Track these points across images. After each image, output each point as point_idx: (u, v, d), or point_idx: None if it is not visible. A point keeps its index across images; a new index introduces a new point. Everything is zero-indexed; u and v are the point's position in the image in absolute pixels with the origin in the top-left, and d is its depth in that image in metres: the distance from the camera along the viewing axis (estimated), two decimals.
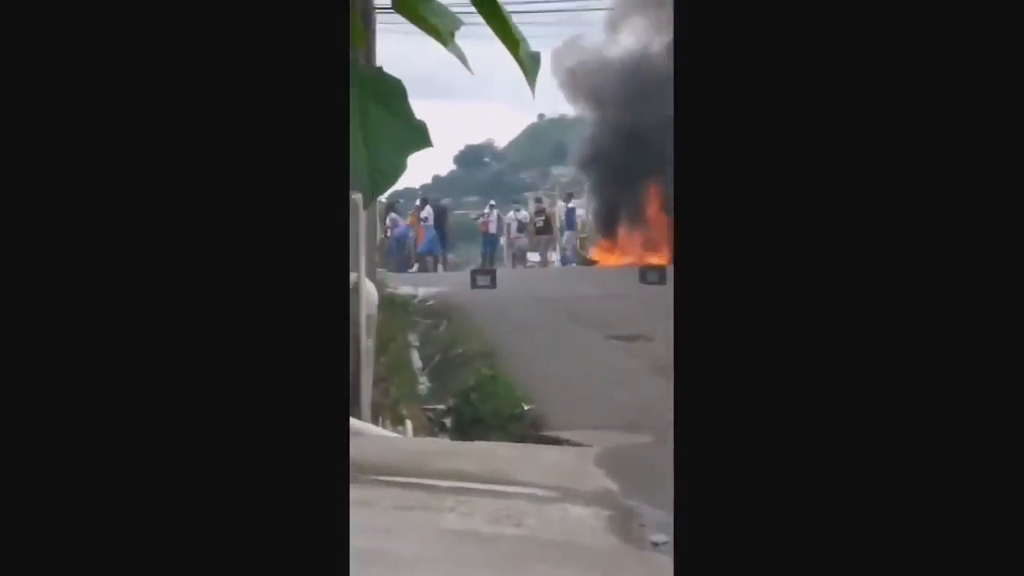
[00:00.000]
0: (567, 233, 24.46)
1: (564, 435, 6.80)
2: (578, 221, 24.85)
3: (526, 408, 7.85)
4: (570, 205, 25.11)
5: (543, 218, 24.40)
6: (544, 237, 24.48)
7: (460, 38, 1.51)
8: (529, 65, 1.47)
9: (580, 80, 22.53)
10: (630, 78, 21.22)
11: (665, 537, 4.35)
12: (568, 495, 4.99)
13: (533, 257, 24.99)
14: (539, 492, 5.04)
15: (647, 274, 15.11)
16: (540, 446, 6.58)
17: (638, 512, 4.70)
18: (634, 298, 13.27)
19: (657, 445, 6.27)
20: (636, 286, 14.63)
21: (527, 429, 7.25)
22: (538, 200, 26.54)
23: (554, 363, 9.45)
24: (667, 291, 12.95)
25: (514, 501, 4.81)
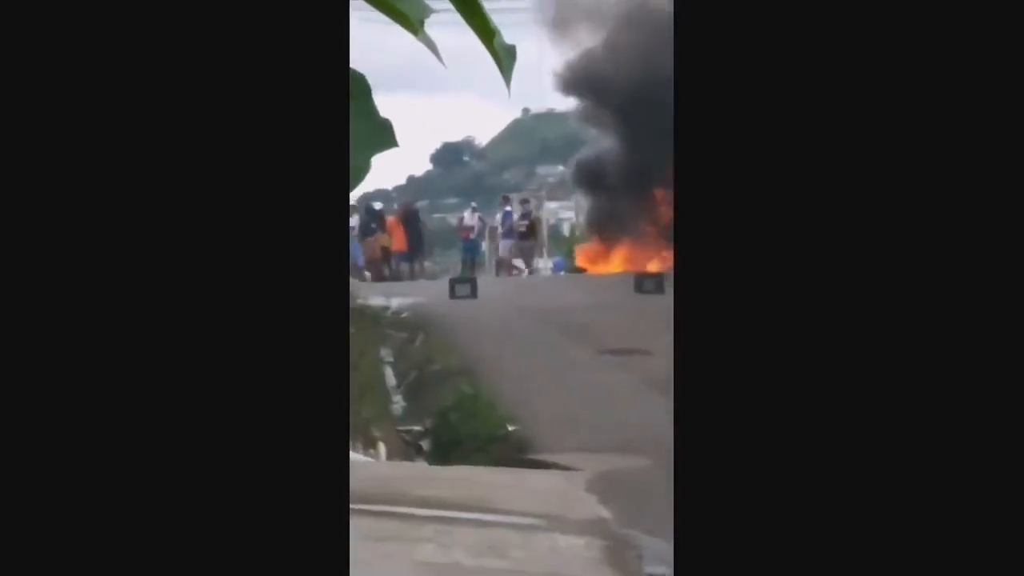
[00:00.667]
0: (503, 243, 24.22)
1: (552, 458, 6.80)
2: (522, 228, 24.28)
3: (510, 429, 7.86)
4: (507, 209, 24.78)
5: (527, 222, 24.29)
6: (528, 243, 24.35)
7: (433, 26, 1.52)
8: (504, 58, 1.47)
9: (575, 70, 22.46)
10: (624, 73, 21.20)
11: (664, 569, 4.36)
12: (557, 524, 5.00)
13: (519, 264, 24.89)
14: (525, 521, 5.05)
15: (643, 283, 15.13)
16: (526, 471, 6.59)
17: (635, 542, 4.71)
18: (629, 309, 13.30)
19: (655, 468, 6.29)
20: (631, 296, 14.66)
21: (511, 452, 7.26)
22: (524, 202, 26.34)
23: (541, 380, 9.46)
24: (665, 301, 12.94)
25: (498, 531, 4.82)
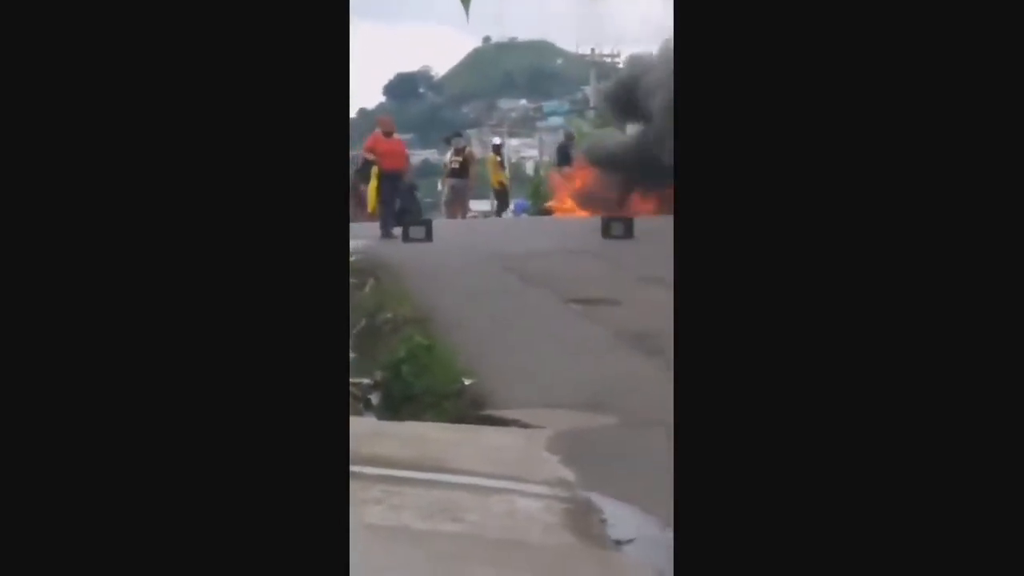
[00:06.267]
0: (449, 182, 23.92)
1: (512, 415, 6.81)
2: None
3: (467, 383, 7.86)
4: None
5: (460, 159, 23.66)
6: (460, 181, 23.81)
7: None
8: None
9: None
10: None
11: (630, 535, 4.38)
12: (516, 485, 5.01)
13: (477, 206, 24.71)
14: (482, 482, 5.06)
15: (611, 226, 15.10)
16: (483, 428, 6.60)
17: (598, 505, 4.73)
18: (597, 255, 13.31)
19: (621, 427, 6.31)
20: (599, 241, 14.65)
21: (468, 408, 7.26)
22: (457, 135, 25.70)
23: (501, 331, 9.47)
24: (634, 247, 12.98)
25: (451, 492, 4.82)
